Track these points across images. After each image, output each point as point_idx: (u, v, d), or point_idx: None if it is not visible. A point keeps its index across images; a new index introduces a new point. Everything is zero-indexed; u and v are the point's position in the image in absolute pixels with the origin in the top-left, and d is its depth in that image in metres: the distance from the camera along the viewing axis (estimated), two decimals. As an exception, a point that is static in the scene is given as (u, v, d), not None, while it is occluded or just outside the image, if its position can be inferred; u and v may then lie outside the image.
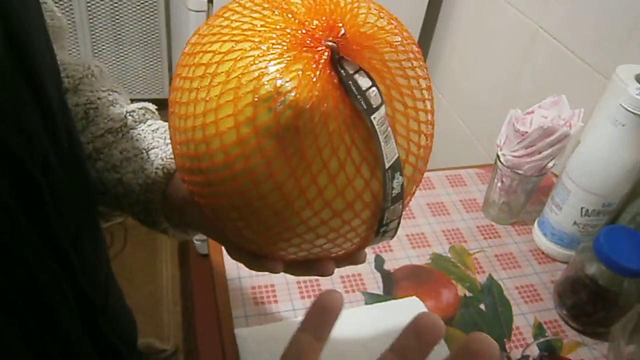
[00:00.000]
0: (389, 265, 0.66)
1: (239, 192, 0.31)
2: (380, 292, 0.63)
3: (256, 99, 0.29)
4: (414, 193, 0.37)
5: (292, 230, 0.32)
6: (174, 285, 1.46)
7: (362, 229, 0.34)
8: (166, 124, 0.46)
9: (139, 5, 1.67)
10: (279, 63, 0.29)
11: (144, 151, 0.44)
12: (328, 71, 0.29)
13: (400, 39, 0.32)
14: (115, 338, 0.40)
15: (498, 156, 0.70)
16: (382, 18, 0.32)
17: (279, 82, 0.28)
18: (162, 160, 0.43)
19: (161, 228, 0.46)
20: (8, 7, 0.26)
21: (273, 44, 0.30)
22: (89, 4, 1.62)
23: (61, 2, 1.59)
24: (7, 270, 0.26)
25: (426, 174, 0.81)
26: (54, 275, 0.31)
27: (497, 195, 0.72)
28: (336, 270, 0.64)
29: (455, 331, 0.60)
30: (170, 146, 0.44)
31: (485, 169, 0.84)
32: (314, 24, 0.30)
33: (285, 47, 0.29)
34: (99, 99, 0.44)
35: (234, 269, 0.63)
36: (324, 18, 0.30)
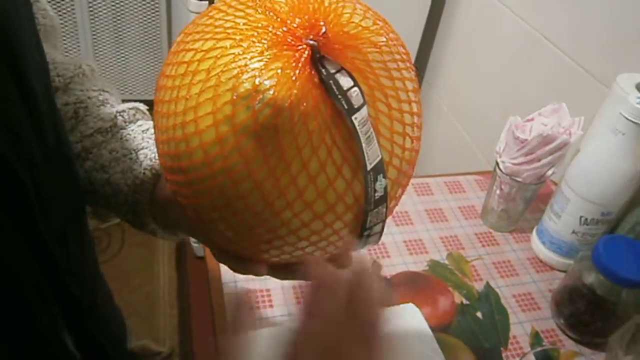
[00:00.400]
0: (385, 271, 0.66)
1: (219, 191, 0.31)
2: (376, 298, 0.63)
3: (235, 97, 0.29)
4: (399, 197, 0.36)
5: (273, 232, 0.32)
6: (171, 287, 1.46)
7: (344, 232, 0.33)
8: None
9: (140, 7, 1.67)
10: (259, 61, 0.29)
11: (133, 151, 0.44)
12: (308, 70, 0.29)
13: (385, 39, 0.32)
14: (103, 339, 0.40)
15: (497, 163, 0.70)
16: (367, 18, 0.32)
17: (257, 80, 0.28)
18: (151, 160, 0.43)
19: (149, 229, 0.46)
20: None
21: (254, 42, 0.29)
22: (90, 5, 1.62)
23: (63, 3, 1.59)
24: None
25: (424, 180, 0.81)
26: (33, 274, 0.30)
27: (495, 203, 0.72)
28: (333, 275, 0.64)
29: (451, 339, 0.60)
30: None
31: (484, 176, 0.83)
32: (296, 22, 0.30)
33: (265, 45, 0.29)
34: (89, 98, 0.44)
35: (229, 272, 0.62)
36: (306, 17, 0.30)
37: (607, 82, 0.77)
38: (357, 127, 0.29)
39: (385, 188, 0.32)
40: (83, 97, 0.44)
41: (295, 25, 0.30)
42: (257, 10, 0.31)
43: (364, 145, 0.30)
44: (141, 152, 0.44)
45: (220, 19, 0.32)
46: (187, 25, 0.34)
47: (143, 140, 0.44)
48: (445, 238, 0.72)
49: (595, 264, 0.57)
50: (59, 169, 0.34)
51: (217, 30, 0.31)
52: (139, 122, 0.46)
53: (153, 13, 1.70)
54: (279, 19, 0.31)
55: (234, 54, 0.30)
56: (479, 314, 0.63)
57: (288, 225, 0.31)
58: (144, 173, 0.42)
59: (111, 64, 1.77)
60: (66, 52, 1.69)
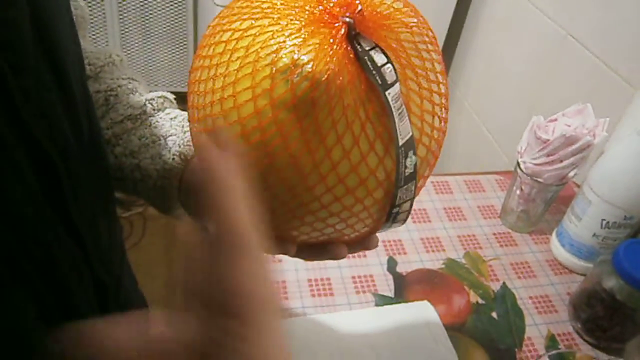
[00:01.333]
0: (401, 268, 0.66)
1: (255, 166, 0.31)
2: (391, 294, 0.63)
3: (274, 71, 0.29)
4: (427, 177, 0.36)
5: (306, 206, 0.32)
6: (190, 277, 1.47)
7: (374, 208, 0.34)
8: (184, 113, 0.47)
9: (167, 2, 1.69)
10: (296, 37, 0.29)
11: (162, 138, 0.45)
12: (344, 46, 0.29)
13: (416, 21, 0.33)
14: None
15: (518, 163, 0.69)
16: (398, 1, 0.33)
17: (296, 55, 0.29)
18: (179, 146, 0.44)
19: (175, 213, 0.47)
20: None
21: (291, 20, 0.30)
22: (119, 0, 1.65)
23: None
24: (25, 248, 0.27)
25: (444, 178, 0.81)
26: (72, 256, 0.31)
27: (515, 203, 0.71)
28: (348, 270, 0.65)
29: (465, 338, 0.59)
30: (187, 134, 0.45)
31: (505, 176, 0.82)
32: (332, 1, 0.31)
33: (303, 23, 0.30)
34: (119, 86, 0.45)
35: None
36: None
37: (635, 83, 0.76)
38: (390, 102, 0.30)
39: (415, 165, 0.33)
40: (114, 85, 0.45)
41: (331, 5, 0.31)
42: None
43: (396, 120, 0.31)
44: (170, 138, 0.45)
45: (257, 1, 0.33)
46: (221, 11, 0.35)
47: (171, 127, 0.45)
48: (463, 237, 0.71)
49: (615, 269, 0.56)
50: (91, 156, 0.35)
51: (255, 10, 0.32)
52: (167, 110, 0.47)
53: (180, 6, 1.71)
54: None
55: (272, 31, 0.30)
56: (494, 314, 0.62)
57: (320, 199, 0.32)
58: (173, 158, 0.43)
59: (138, 56, 1.80)
60: (94, 43, 1.72)
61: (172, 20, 1.75)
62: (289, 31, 0.30)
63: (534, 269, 0.68)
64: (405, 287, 0.64)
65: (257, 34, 0.30)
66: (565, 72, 0.92)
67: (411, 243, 0.69)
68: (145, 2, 1.68)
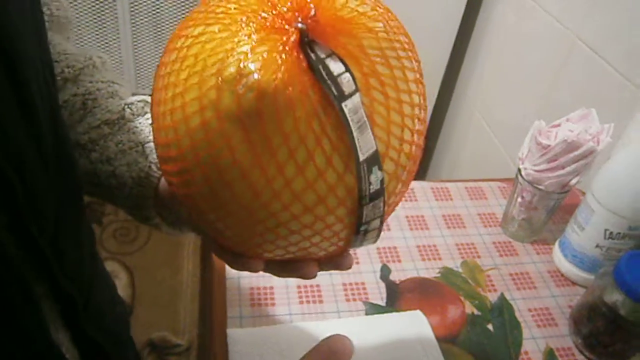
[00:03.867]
0: (395, 276, 0.64)
1: (206, 180, 0.29)
2: (383, 303, 0.61)
3: (220, 81, 0.27)
4: (401, 193, 0.34)
5: (263, 223, 0.31)
6: (194, 281, 1.47)
7: (338, 227, 0.32)
8: None
9: (179, 5, 1.70)
10: (245, 44, 0.28)
11: (139, 144, 0.43)
12: (296, 54, 0.27)
13: (382, 25, 0.30)
14: (99, 335, 0.39)
15: (519, 170, 0.66)
16: (365, 4, 0.31)
17: (242, 64, 0.27)
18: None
19: (153, 223, 0.46)
20: None
21: (242, 26, 0.28)
22: (131, 2, 1.66)
23: (105, 1, 1.64)
24: None
25: (445, 185, 0.78)
26: (17, 272, 0.30)
27: (516, 211, 0.69)
28: (339, 277, 0.63)
29: (458, 350, 0.57)
30: None
31: (508, 183, 0.80)
32: (287, 5, 0.29)
33: (253, 29, 0.28)
34: (97, 89, 0.44)
35: (234, 268, 0.62)
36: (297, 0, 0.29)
37: (645, 88, 0.73)
38: (348, 115, 0.28)
39: (382, 181, 0.30)
40: (92, 88, 0.44)
41: (285, 9, 0.29)
42: None
43: (355, 134, 0.28)
44: (147, 145, 0.43)
45: (213, 5, 0.31)
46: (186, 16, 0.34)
47: (150, 133, 0.44)
48: (461, 245, 0.69)
49: (616, 282, 0.53)
50: (56, 168, 0.33)
51: (209, 15, 0.31)
52: (147, 115, 0.45)
53: (191, 10, 1.72)
54: (269, 3, 0.30)
55: (221, 37, 0.29)
56: (490, 327, 0.60)
57: (277, 217, 0.30)
58: (149, 167, 0.42)
59: (150, 60, 1.81)
60: (106, 47, 1.74)
61: (184, 25, 1.75)
62: (238, 38, 0.28)
63: (535, 280, 0.65)
64: (397, 296, 0.62)
65: (207, 40, 0.29)
66: (574, 77, 0.89)
67: (406, 250, 0.67)
68: (157, 6, 1.70)
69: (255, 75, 0.27)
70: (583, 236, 0.62)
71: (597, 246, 0.61)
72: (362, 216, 0.31)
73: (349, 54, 0.29)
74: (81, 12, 1.65)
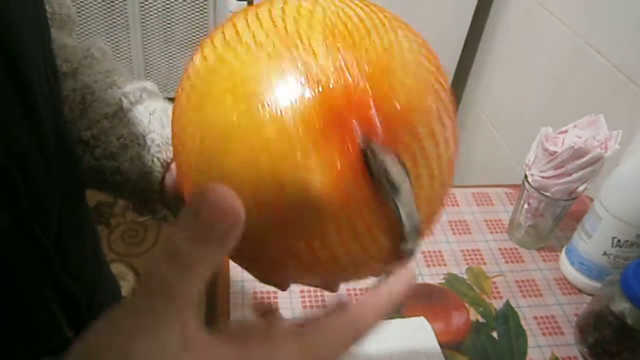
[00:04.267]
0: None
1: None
2: (386, 309, 0.60)
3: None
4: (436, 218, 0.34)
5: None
6: (200, 283, 1.47)
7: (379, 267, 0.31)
8: (164, 105, 0.45)
9: (189, 7, 1.71)
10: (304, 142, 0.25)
11: (140, 137, 0.43)
12: (353, 157, 0.25)
13: (435, 108, 0.27)
14: None
15: (526, 176, 0.66)
16: (417, 74, 0.27)
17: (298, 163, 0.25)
18: (159, 146, 0.42)
19: (160, 216, 0.46)
20: None
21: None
22: (142, 4, 1.67)
23: (115, 2, 1.65)
24: None
25: (452, 191, 0.78)
26: (32, 271, 0.30)
27: (523, 218, 0.68)
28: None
29: (462, 357, 0.56)
30: (167, 130, 0.43)
31: (515, 189, 0.79)
32: (335, 88, 0.25)
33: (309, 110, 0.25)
34: (95, 82, 0.43)
35: (237, 270, 0.62)
36: (348, 78, 0.25)
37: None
38: (401, 210, 0.26)
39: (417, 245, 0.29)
40: (90, 82, 0.43)
41: (332, 88, 0.25)
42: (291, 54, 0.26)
43: (407, 227, 0.26)
44: (149, 136, 0.43)
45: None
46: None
47: (150, 123, 0.43)
48: (467, 251, 0.69)
49: (623, 290, 0.52)
50: (58, 166, 0.33)
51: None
52: (145, 103, 0.44)
53: (201, 12, 1.73)
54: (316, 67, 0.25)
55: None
56: (494, 334, 0.59)
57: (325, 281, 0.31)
58: (152, 160, 0.42)
59: (159, 62, 1.82)
60: (116, 48, 1.75)
61: (194, 27, 1.76)
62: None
63: (541, 288, 0.65)
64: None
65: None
66: (582, 83, 0.88)
67: (411, 256, 0.67)
68: (167, 8, 1.71)
69: (312, 179, 0.25)
70: (590, 244, 0.61)
71: (604, 254, 0.60)
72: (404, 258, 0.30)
73: (405, 149, 0.26)
74: (91, 15, 1.67)
